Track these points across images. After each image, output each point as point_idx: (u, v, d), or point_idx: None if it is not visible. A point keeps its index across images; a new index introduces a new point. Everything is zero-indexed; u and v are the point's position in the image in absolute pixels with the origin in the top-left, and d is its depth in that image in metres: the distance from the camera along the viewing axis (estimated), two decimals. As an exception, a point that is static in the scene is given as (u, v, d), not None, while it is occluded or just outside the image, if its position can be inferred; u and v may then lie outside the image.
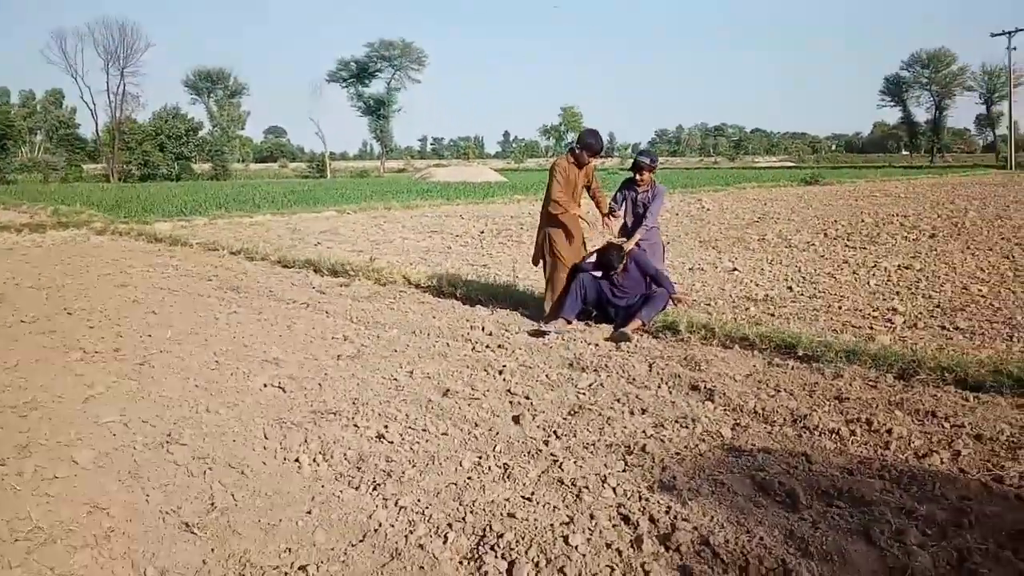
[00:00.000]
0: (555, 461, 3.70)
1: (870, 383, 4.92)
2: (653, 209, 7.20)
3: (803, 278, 9.26)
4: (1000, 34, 56.33)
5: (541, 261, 7.12)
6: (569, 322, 6.51)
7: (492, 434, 4.11)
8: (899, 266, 9.91)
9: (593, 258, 6.82)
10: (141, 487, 3.45)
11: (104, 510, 3.18)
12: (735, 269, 9.98)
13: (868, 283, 8.73)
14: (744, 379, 5.05)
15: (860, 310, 7.26)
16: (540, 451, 3.85)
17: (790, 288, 8.52)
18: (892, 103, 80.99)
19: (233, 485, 3.48)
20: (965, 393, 4.66)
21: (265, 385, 5.11)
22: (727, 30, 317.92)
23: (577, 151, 6.91)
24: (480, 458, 3.78)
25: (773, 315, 7.13)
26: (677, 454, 3.79)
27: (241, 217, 19.81)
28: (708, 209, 21.00)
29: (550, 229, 6.90)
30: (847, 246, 12.14)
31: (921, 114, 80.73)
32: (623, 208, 7.35)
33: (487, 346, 6.09)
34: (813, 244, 12.41)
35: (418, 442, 3.99)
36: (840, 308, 7.38)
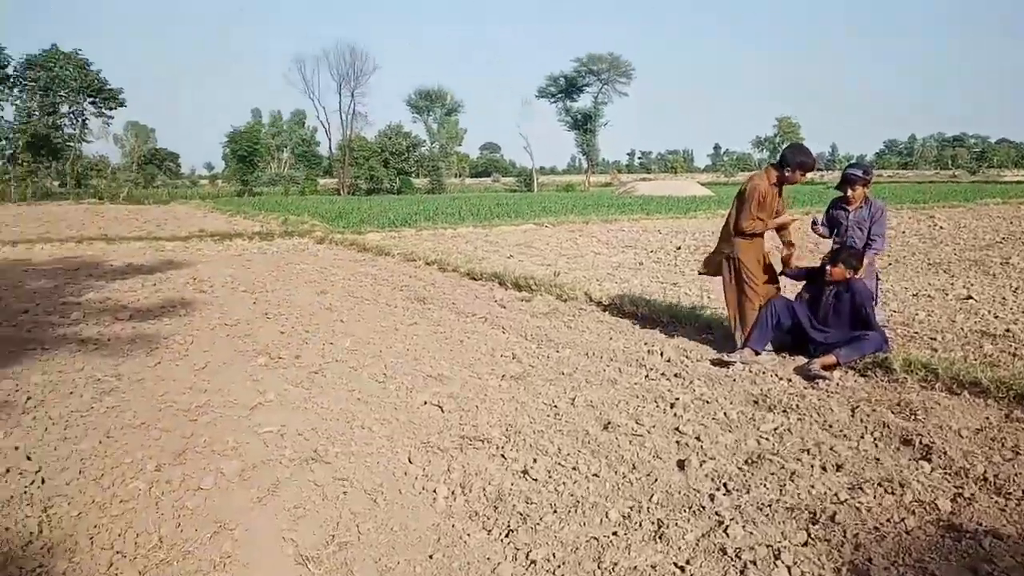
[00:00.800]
0: (720, 523, 3.15)
1: None
2: (878, 230, 6.28)
3: (1059, 312, 7.74)
4: None
5: (723, 282, 6.33)
6: (757, 353, 5.80)
7: (650, 480, 3.62)
8: None
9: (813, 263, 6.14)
10: (272, 508, 3.36)
11: (230, 531, 3.11)
12: (970, 297, 8.58)
13: None
14: (972, 435, 4.13)
15: None
16: (703, 508, 3.30)
17: (1041, 323, 7.12)
18: None
19: (362, 515, 3.29)
20: None
21: (425, 403, 4.96)
22: (964, 24, 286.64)
23: (787, 172, 5.99)
24: (631, 509, 3.31)
25: (1014, 355, 5.93)
26: (876, 529, 3.08)
27: (445, 229, 20.53)
28: (941, 227, 18.67)
29: (740, 249, 6.13)
30: (1121, 274, 10.10)
31: None
32: (828, 229, 6.50)
33: (662, 374, 5.56)
34: (1073, 271, 10.46)
35: (564, 483, 3.59)
36: (1110, 351, 6.00)
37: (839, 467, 3.75)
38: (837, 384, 5.17)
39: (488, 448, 4.06)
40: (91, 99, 53.23)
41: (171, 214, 30.23)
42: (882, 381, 5.22)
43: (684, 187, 50.00)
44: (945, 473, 3.68)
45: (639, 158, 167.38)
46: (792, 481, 3.58)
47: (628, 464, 3.82)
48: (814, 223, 6.55)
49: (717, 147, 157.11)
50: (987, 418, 4.44)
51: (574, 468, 3.76)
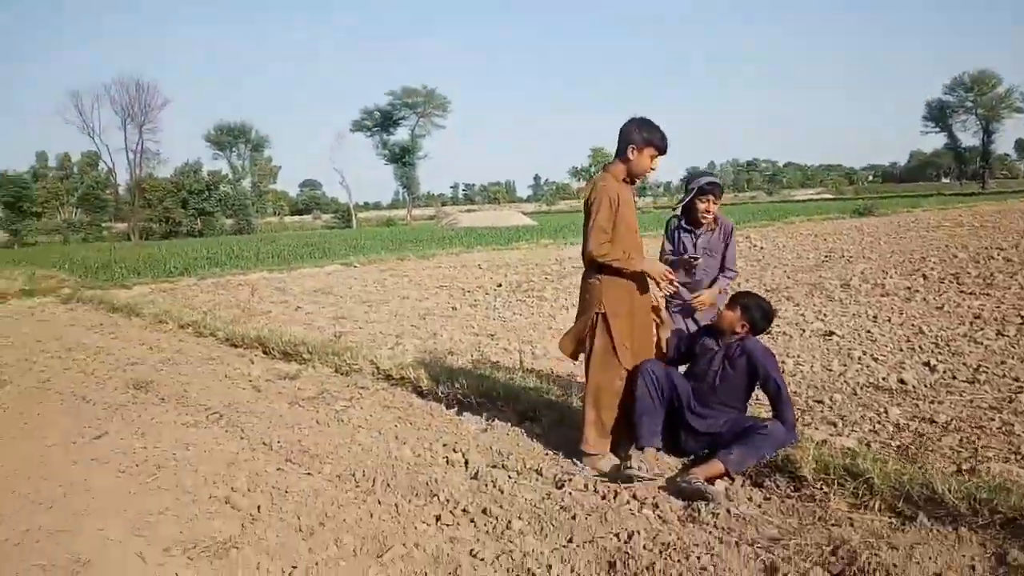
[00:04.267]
0: None
1: None
2: (732, 255, 4.72)
3: (935, 345, 6.55)
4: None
5: (583, 352, 4.23)
6: (658, 449, 3.89)
7: None
8: (1062, 322, 7.14)
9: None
10: None
11: None
12: (831, 333, 7.28)
13: (1041, 353, 5.99)
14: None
15: (1072, 409, 4.55)
16: None
17: (929, 365, 5.81)
18: (936, 129, 77.17)
19: None
20: None
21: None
22: (756, 63, 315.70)
23: (632, 153, 4.02)
24: None
25: (933, 422, 4.45)
26: None
27: (234, 275, 17.64)
28: (761, 247, 18.30)
29: (605, 297, 4.02)
30: (962, 291, 9.37)
31: (967, 139, 76.85)
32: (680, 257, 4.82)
33: (464, 510, 3.49)
34: (916, 290, 9.65)
35: None
36: (1033, 404, 4.68)
37: None
38: (728, 511, 3.32)
39: None
40: None
41: None
42: (791, 499, 3.45)
43: (507, 217, 49.25)
44: None
45: (463, 190, 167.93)
46: None
47: None
48: (663, 252, 4.83)
49: (537, 177, 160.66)
50: (973, 567, 2.74)
51: None
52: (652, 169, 4.09)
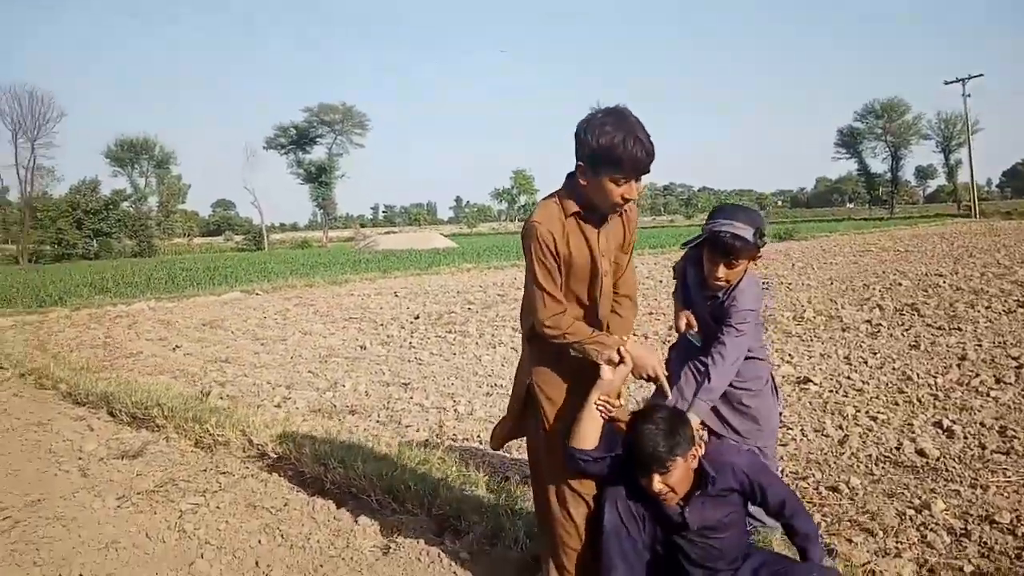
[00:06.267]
0: None
1: None
2: (741, 331, 3.07)
3: (934, 397, 5.49)
4: (953, 81, 54.77)
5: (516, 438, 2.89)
6: None
7: None
8: (1063, 364, 6.23)
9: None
10: None
11: None
12: (807, 379, 6.18)
13: (1067, 408, 4.98)
14: None
15: None
16: None
17: (942, 427, 4.72)
18: (847, 155, 79.69)
19: None
20: None
21: None
22: (670, 89, 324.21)
23: (585, 176, 2.38)
24: None
25: (993, 522, 3.32)
26: None
27: (115, 305, 15.64)
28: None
29: (543, 394, 2.60)
30: (928, 325, 8.48)
31: (875, 165, 79.69)
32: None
33: None
34: (878, 324, 8.72)
35: None
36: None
37: None
38: None
39: None
40: None
41: None
42: None
43: (427, 239, 47.76)
44: None
45: (383, 211, 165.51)
46: None
47: None
48: (677, 317, 3.32)
49: (459, 199, 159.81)
50: None
51: None
52: (626, 200, 2.43)
